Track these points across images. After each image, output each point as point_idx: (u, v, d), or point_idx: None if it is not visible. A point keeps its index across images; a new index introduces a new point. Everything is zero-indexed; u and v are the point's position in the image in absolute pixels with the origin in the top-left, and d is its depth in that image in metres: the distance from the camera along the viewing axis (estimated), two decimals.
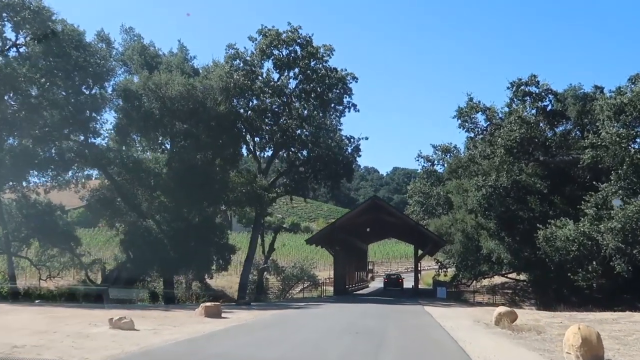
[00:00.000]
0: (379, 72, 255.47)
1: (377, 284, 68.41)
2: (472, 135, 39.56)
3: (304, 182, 37.99)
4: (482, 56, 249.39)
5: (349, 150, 36.87)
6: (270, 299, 44.98)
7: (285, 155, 38.16)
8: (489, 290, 49.85)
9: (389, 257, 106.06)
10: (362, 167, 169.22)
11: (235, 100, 34.65)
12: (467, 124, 39.03)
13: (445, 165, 55.89)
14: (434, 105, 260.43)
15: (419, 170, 56.48)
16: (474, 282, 50.94)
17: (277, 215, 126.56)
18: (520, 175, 38.69)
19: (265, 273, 46.84)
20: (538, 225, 32.45)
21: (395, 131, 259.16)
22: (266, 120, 36.22)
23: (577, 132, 38.16)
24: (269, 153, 38.51)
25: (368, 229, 41.41)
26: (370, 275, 76.15)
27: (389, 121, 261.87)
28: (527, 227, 37.86)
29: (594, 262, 28.98)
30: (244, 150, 38.70)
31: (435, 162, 57.32)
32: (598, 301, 33.26)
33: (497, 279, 53.09)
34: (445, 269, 54.21)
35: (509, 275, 50.72)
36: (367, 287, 59.89)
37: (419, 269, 77.46)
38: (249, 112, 36.57)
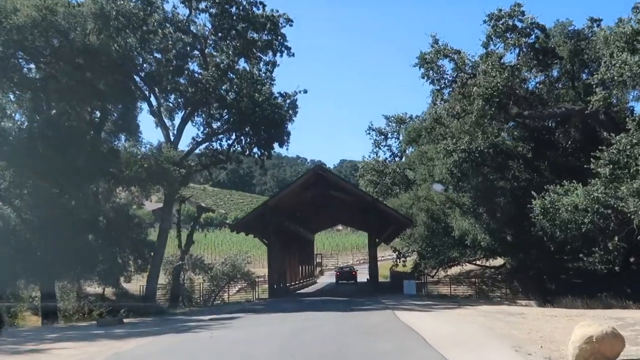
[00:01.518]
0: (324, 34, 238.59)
1: (327, 278, 60.24)
2: (437, 87, 31.50)
3: (226, 152, 29.04)
4: None
5: (284, 107, 28.07)
6: (192, 305, 36.07)
7: (201, 119, 29.05)
8: (453, 280, 42.37)
9: (339, 248, 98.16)
10: (308, 161, 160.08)
11: (125, 41, 25.20)
12: (431, 74, 30.95)
13: (401, 136, 48.03)
14: (391, 74, 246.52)
15: (372, 143, 48.36)
16: (436, 272, 43.68)
17: (221, 210, 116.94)
18: (498, 137, 31.03)
19: (185, 273, 37.69)
20: (533, 193, 24.73)
21: (342, 120, 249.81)
22: (171, 68, 26.89)
23: (566, 81, 30.71)
24: (182, 119, 29.19)
25: (313, 213, 33.09)
26: (318, 269, 67.83)
27: (337, 104, 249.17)
28: (510, 200, 30.30)
29: (616, 238, 21.38)
30: (148, 114, 29.33)
31: (389, 134, 49.54)
32: (596, 288, 26.00)
33: (458, 268, 46.01)
34: (404, 258, 46.48)
35: (477, 262, 43.83)
36: (315, 283, 51.47)
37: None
38: (150, 64, 27.21)
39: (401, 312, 17.16)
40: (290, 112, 27.98)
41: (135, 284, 39.89)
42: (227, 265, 40.41)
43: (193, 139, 29.44)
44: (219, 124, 28.93)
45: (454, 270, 45.38)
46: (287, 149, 28.83)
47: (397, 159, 49.18)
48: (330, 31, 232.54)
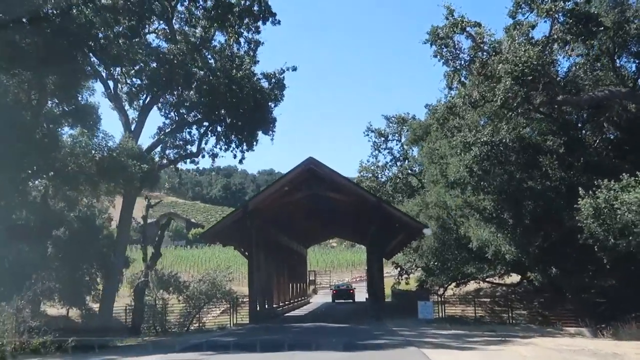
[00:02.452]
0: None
1: (321, 298, 54.78)
2: (452, 69, 26.44)
3: (198, 143, 23.91)
4: None
5: (267, 87, 22.92)
6: (164, 330, 30.79)
7: (167, 105, 23.84)
8: (461, 300, 37.03)
9: (333, 265, 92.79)
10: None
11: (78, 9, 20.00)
12: (445, 52, 25.89)
13: (403, 137, 43.08)
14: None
15: (371, 146, 43.30)
16: (444, 290, 38.51)
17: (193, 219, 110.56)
18: (526, 127, 26.05)
19: (156, 292, 32.35)
20: (580, 191, 19.68)
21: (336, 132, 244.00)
22: (129, 41, 21.69)
23: (606, 61, 25.76)
24: (144, 103, 23.96)
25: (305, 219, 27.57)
26: (312, 287, 62.31)
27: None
28: (540, 203, 25.19)
29: None
30: (104, 98, 24.11)
31: (389, 136, 44.55)
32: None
33: (467, 286, 40.83)
34: (406, 275, 41.16)
35: (490, 280, 38.70)
36: (308, 303, 45.99)
37: (368, 276, 64.80)
38: (104, 34, 22.00)
39: (433, 352, 11.78)
40: (275, 92, 22.92)
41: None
42: (206, 283, 35.00)
43: (159, 128, 24.23)
44: (187, 109, 23.68)
45: (461, 289, 40.36)
46: (272, 139, 23.87)
47: (398, 163, 44.18)
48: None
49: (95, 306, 32.38)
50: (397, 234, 24.19)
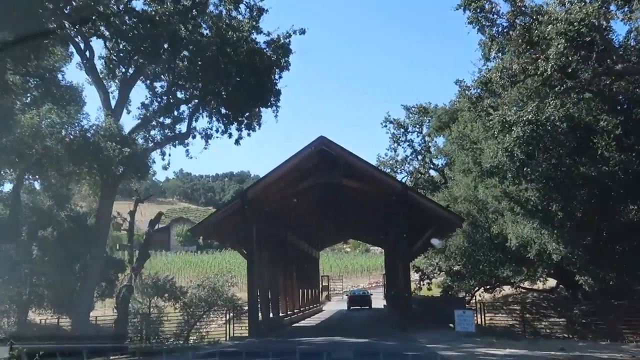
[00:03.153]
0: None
1: (335, 305, 50.90)
2: (489, 37, 22.57)
3: (188, 121, 20.23)
4: None
5: (268, 51, 19.17)
6: (158, 342, 27.39)
7: (153, 74, 20.19)
8: (488, 307, 33.03)
9: (347, 270, 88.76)
10: None
11: None
12: (480, 16, 22.03)
13: (425, 129, 39.21)
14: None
15: (389, 138, 39.40)
16: (472, 296, 34.66)
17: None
18: (578, 104, 22.11)
19: (145, 299, 29.09)
20: None
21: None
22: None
23: None
24: (124, 75, 20.34)
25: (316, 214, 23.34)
26: (325, 294, 58.39)
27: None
28: (595, 192, 21.28)
29: None
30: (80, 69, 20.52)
31: (409, 127, 40.62)
32: None
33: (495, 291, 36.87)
34: (428, 280, 37.20)
35: (522, 285, 34.79)
36: (321, 310, 42.09)
37: (381, 282, 60.05)
38: None
39: None
40: (281, 58, 19.20)
41: (103, 311, 31.48)
42: (205, 289, 31.32)
43: (142, 105, 20.59)
44: (174, 80, 19.99)
45: (494, 295, 36.40)
46: (275, 115, 20.13)
47: (419, 157, 40.22)
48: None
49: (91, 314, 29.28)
50: (425, 230, 20.23)
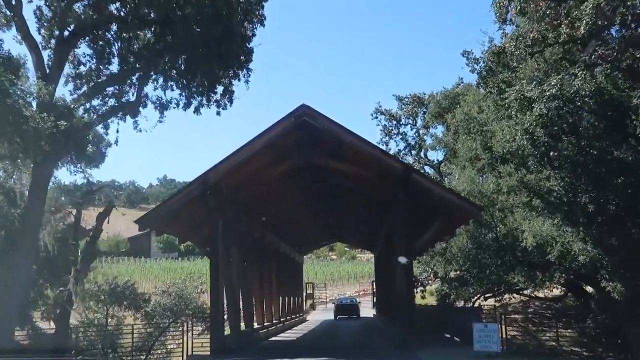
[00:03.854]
0: None
1: (320, 314, 47.09)
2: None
3: (138, 87, 16.37)
4: None
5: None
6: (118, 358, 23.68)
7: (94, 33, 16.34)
8: (487, 317, 29.51)
9: (333, 278, 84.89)
10: None
11: None
12: None
13: (420, 120, 35.71)
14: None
15: (380, 130, 35.83)
16: (472, 304, 31.29)
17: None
18: (609, 75, 18.67)
19: (107, 308, 25.27)
20: None
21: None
22: None
23: None
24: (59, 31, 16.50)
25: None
26: (309, 302, 54.45)
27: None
28: (632, 180, 17.83)
29: None
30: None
31: (402, 119, 37.09)
32: None
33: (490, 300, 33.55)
34: (422, 287, 33.58)
35: (524, 292, 31.53)
36: (305, 320, 38.21)
37: (369, 290, 56.29)
38: None
39: None
40: (254, 6, 15.41)
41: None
42: (171, 296, 27.32)
43: (77, 66, 16.62)
44: (120, 38, 16.16)
45: (486, 304, 33.05)
46: (247, 81, 16.38)
47: (413, 151, 36.68)
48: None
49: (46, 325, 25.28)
50: (432, 222, 16.39)
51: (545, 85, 17.70)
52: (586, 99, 17.67)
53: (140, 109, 16.86)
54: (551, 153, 18.09)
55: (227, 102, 19.64)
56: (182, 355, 17.70)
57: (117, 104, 16.88)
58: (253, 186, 16.75)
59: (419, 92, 36.71)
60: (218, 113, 19.83)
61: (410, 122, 36.84)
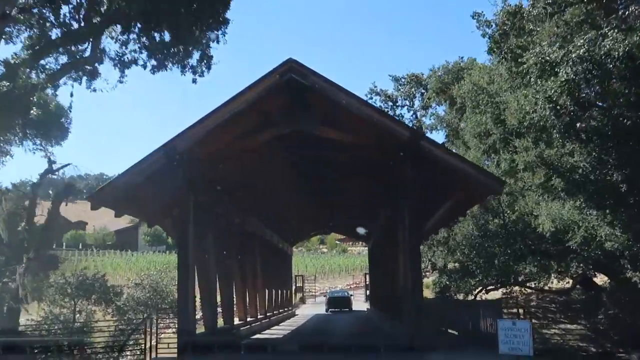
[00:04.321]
0: None
1: (310, 308, 44.86)
2: None
3: (92, 41, 13.69)
4: None
5: None
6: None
7: None
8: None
9: (324, 271, 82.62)
10: None
11: None
12: None
13: (417, 101, 33.38)
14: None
15: None
16: (474, 297, 29.22)
17: None
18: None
19: (76, 302, 23.14)
20: None
21: None
22: None
23: None
24: None
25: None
26: (299, 295, 52.12)
27: None
28: None
29: None
30: None
31: (399, 100, 34.71)
32: None
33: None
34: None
35: (530, 285, 29.45)
36: (294, 315, 35.83)
37: (363, 283, 53.88)
38: None
39: None
40: None
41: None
42: (145, 289, 24.86)
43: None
44: None
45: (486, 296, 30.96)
46: (223, 34, 13.87)
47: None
48: None
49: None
50: (443, 201, 13.84)
51: (571, 47, 15.35)
52: (617, 63, 15.35)
53: (99, 70, 14.31)
54: (577, 124, 15.76)
55: (204, 69, 17.33)
56: (145, 357, 15.23)
57: (69, 61, 14.31)
58: (231, 160, 14.24)
59: (417, 72, 34.41)
60: (194, 81, 17.56)
61: (408, 103, 34.49)
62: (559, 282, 30.19)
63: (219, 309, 16.68)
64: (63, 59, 14.44)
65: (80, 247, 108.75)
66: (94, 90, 15.12)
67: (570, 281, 29.73)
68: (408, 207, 12.51)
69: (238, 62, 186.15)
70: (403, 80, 34.46)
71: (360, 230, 19.35)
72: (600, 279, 27.31)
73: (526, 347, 10.11)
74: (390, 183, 14.85)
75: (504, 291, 29.45)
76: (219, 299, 17.40)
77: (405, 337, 13.03)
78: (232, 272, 17.51)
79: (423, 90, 33.40)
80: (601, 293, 26.23)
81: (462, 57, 27.01)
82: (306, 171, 17.32)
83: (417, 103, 34.10)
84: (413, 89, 33.96)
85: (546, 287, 30.05)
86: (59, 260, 24.93)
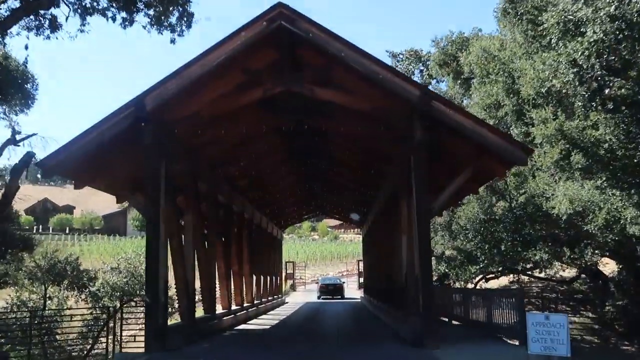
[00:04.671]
0: None
1: (301, 296, 43.21)
2: None
3: None
4: None
5: None
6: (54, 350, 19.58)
7: None
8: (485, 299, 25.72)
9: (315, 258, 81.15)
10: None
11: None
12: None
13: (418, 76, 31.55)
14: None
15: None
16: (475, 285, 27.92)
17: None
18: None
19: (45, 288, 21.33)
20: None
21: None
22: None
23: None
24: None
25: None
26: (290, 282, 50.40)
27: None
28: None
29: None
30: None
31: None
32: None
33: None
34: None
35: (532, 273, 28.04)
36: (284, 303, 34.10)
37: (356, 270, 52.07)
38: None
39: None
40: None
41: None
42: (122, 274, 22.96)
43: None
44: None
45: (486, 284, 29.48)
46: None
47: None
48: None
49: None
50: (456, 173, 11.82)
51: (600, 3, 13.54)
52: None
53: (58, 19, 12.32)
54: (606, 91, 13.98)
55: (184, 27, 15.40)
56: (107, 351, 13.37)
57: (21, 4, 12.30)
58: (211, 125, 12.35)
59: (417, 47, 32.46)
60: (172, 41, 15.60)
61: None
62: (564, 270, 28.67)
63: (207, 297, 14.85)
64: (15, 4, 12.49)
65: (67, 231, 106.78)
66: (48, 38, 13.04)
67: (574, 270, 28.18)
68: (417, 181, 10.65)
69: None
70: (401, 56, 32.57)
71: (355, 216, 17.32)
72: (609, 268, 25.78)
73: (563, 347, 8.35)
74: (395, 152, 13.02)
75: (510, 279, 27.86)
76: (200, 286, 15.55)
77: (411, 330, 11.26)
78: (214, 255, 15.66)
79: (422, 67, 31.55)
80: (608, 283, 24.74)
81: (462, 33, 25.02)
82: (298, 141, 15.46)
83: (416, 80, 32.17)
84: (412, 66, 32.06)
85: (546, 276, 28.51)
86: (34, 242, 22.96)
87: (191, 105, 11.30)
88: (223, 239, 17.46)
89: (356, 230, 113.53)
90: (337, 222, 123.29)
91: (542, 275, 27.56)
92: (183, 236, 13.39)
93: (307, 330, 16.40)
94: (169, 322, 13.10)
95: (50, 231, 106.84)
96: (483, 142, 10.13)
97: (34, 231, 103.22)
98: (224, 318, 16.27)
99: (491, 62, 17.86)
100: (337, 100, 11.53)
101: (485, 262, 21.27)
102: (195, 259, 13.67)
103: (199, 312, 17.19)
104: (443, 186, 11.30)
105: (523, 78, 16.28)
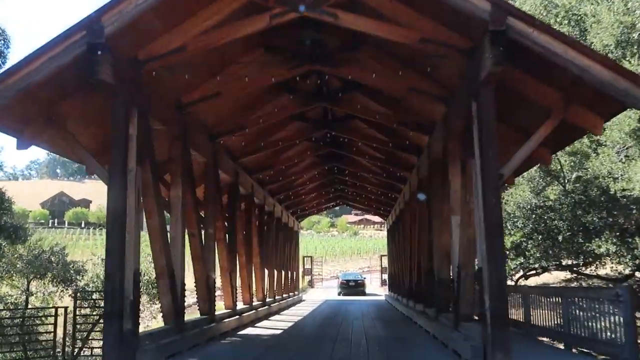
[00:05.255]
0: None
1: (319, 293, 40.51)
2: None
3: None
4: None
5: None
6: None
7: None
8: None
9: (334, 254, 78.41)
10: None
11: None
12: None
13: None
14: None
15: None
16: (518, 281, 24.84)
17: None
18: None
19: (10, 279, 18.59)
20: None
21: None
22: None
23: None
24: None
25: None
26: (307, 278, 47.58)
27: None
28: None
29: None
30: None
31: None
32: None
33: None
34: None
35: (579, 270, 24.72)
36: (300, 301, 31.24)
37: (378, 266, 48.92)
38: None
39: None
40: None
41: None
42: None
43: None
44: None
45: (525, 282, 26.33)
46: None
47: None
48: None
49: None
50: (543, 119, 8.73)
51: None
52: None
53: None
54: None
55: None
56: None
57: None
58: (201, 66, 9.42)
59: None
60: None
61: None
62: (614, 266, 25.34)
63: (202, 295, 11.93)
64: None
65: (82, 225, 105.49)
66: None
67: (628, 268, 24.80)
68: (483, 134, 7.54)
69: None
70: None
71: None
72: None
73: None
74: (443, 105, 9.94)
75: (564, 277, 24.66)
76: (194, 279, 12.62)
77: (471, 344, 8.15)
78: (212, 243, 12.74)
79: None
80: None
81: None
82: (316, 95, 12.41)
83: None
84: None
85: (592, 273, 25.20)
86: (27, 232, 20.36)
87: (169, 37, 8.33)
88: (225, 223, 14.51)
89: (376, 226, 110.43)
90: (356, 218, 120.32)
91: (594, 273, 24.29)
92: (169, 215, 10.50)
93: (327, 335, 13.37)
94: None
95: (66, 225, 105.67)
96: (586, 75, 6.95)
97: (49, 225, 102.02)
98: (225, 320, 13.31)
99: (552, 11, 14.60)
100: (369, 29, 8.45)
101: (537, 255, 18.03)
102: (183, 245, 10.71)
103: (219, 307, 14.36)
104: (519, 143, 8.20)
105: (595, 27, 13.05)
